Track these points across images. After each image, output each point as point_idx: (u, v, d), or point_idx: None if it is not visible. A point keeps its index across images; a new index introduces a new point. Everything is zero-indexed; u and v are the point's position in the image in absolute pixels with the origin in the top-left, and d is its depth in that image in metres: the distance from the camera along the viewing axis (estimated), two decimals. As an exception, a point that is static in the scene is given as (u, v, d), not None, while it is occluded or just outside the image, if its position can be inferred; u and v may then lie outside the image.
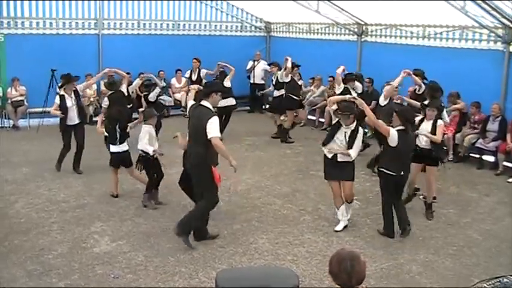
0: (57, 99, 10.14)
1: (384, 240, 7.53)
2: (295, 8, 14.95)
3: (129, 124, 9.11)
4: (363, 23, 14.69)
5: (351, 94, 9.73)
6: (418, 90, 9.93)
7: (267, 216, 8.29)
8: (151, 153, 8.39)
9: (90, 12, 15.65)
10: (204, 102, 7.03)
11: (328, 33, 16.05)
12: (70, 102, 10.11)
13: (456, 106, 11.57)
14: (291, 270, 4.57)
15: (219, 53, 16.21)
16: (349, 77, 11.03)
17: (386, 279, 6.44)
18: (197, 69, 14.68)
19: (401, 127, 7.36)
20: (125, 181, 9.63)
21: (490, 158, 11.33)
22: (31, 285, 6.10)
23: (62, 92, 10.18)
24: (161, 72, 15.91)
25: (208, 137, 6.77)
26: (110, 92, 10.65)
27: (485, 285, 4.59)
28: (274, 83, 13.88)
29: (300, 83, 13.77)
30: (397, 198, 7.68)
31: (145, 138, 8.37)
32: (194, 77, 14.63)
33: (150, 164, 8.57)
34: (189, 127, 7.21)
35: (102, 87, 15.18)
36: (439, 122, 8.20)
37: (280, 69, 13.65)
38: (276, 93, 13.78)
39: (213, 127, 6.79)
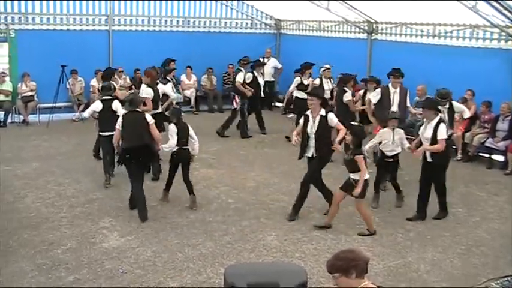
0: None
1: (392, 239, 7.53)
2: (306, 6, 14.91)
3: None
4: (373, 21, 14.64)
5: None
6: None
7: (276, 213, 8.30)
8: None
9: (100, 9, 15.71)
10: None
11: (338, 31, 15.98)
12: None
13: (464, 116, 11.35)
14: (299, 266, 4.59)
15: (229, 50, 16.29)
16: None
17: (394, 278, 6.43)
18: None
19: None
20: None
21: (500, 158, 11.28)
22: (40, 279, 6.16)
23: None
24: (171, 69, 15.90)
25: None
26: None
27: (493, 284, 4.59)
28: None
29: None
30: None
31: None
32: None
33: None
34: None
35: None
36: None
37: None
38: None
39: None
